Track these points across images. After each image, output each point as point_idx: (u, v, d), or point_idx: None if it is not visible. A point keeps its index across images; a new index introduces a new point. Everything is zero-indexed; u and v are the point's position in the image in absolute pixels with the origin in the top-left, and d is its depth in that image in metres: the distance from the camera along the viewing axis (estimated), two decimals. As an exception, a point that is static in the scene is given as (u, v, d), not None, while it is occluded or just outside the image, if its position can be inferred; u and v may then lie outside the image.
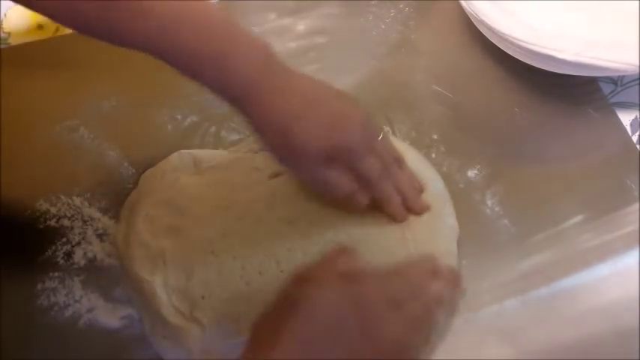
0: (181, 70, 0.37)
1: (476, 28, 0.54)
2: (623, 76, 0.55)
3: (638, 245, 0.46)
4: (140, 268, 0.44)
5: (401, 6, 0.60)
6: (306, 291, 0.31)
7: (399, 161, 0.44)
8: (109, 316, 0.44)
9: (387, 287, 0.33)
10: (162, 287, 0.43)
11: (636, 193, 0.49)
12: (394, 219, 0.43)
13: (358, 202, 0.41)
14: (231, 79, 0.36)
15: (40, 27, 0.60)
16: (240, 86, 0.36)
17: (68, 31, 0.60)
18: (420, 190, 0.45)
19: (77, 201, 0.48)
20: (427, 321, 0.34)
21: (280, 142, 0.38)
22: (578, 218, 0.48)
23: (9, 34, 0.58)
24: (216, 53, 0.35)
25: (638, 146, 0.52)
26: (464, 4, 0.53)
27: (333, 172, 0.39)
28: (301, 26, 0.59)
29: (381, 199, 0.42)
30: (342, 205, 0.43)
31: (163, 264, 0.44)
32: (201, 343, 0.41)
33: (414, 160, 0.47)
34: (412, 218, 0.44)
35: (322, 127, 0.38)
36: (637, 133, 0.53)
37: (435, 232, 0.44)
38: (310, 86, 0.40)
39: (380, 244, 0.44)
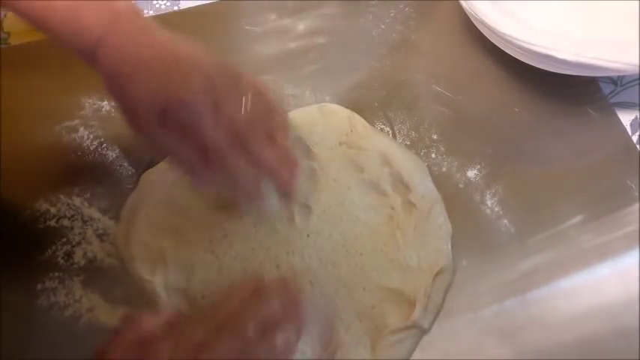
0: (35, 24, 0.37)
1: (476, 28, 0.54)
2: (623, 76, 0.55)
3: (638, 245, 0.46)
4: (140, 268, 0.44)
5: (401, 6, 0.60)
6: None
7: (274, 128, 0.40)
8: (109, 316, 0.44)
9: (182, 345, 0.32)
10: (163, 287, 0.43)
11: (636, 193, 0.49)
12: (243, 200, 0.40)
13: (196, 181, 0.38)
14: (81, 33, 0.36)
15: (40, 27, 0.60)
16: (88, 40, 0.36)
17: (68, 31, 0.60)
18: (292, 167, 0.41)
19: (77, 201, 0.48)
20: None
21: (119, 98, 0.37)
22: (578, 218, 0.48)
23: (9, 34, 0.58)
24: (69, 7, 0.36)
25: (638, 146, 0.52)
26: (464, 4, 0.53)
27: (170, 138, 0.36)
28: (301, 26, 0.59)
29: (228, 177, 0.38)
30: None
31: (163, 264, 0.44)
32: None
33: (400, 156, 0.47)
34: (402, 218, 0.44)
35: (158, 82, 0.35)
36: (637, 133, 0.53)
37: (424, 232, 0.44)
38: (161, 41, 0.37)
39: (372, 245, 0.44)
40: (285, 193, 0.41)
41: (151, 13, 0.61)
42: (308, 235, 0.44)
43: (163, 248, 0.44)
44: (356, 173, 0.47)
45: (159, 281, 0.43)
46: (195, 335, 0.33)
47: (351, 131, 0.49)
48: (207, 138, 0.36)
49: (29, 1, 0.37)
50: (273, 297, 0.36)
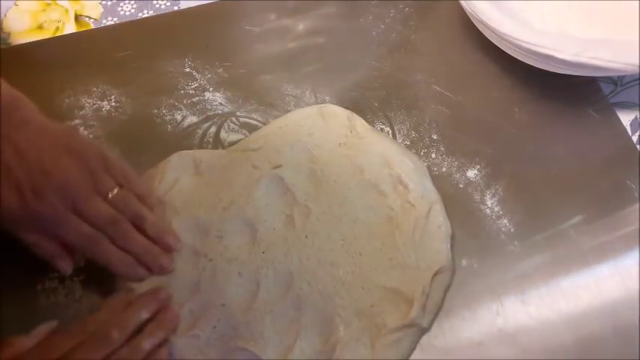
0: None
1: (476, 28, 0.54)
2: (623, 76, 0.55)
3: (638, 245, 0.46)
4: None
5: (401, 6, 0.60)
6: None
7: (139, 217, 0.41)
8: (108, 316, 0.44)
9: None
10: None
11: (636, 194, 0.49)
12: (124, 277, 0.42)
13: (60, 269, 0.41)
14: None
15: (40, 27, 0.60)
16: None
17: (68, 31, 0.60)
18: (170, 246, 0.43)
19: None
20: None
21: None
22: (578, 218, 0.48)
23: (9, 34, 0.58)
24: None
25: (638, 146, 0.52)
26: (464, 4, 0.53)
27: (28, 236, 0.39)
28: (301, 26, 0.59)
29: (103, 265, 0.41)
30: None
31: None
32: (197, 346, 0.40)
33: (400, 157, 0.47)
34: (401, 218, 0.44)
35: (18, 188, 0.37)
36: (637, 133, 0.53)
37: (423, 232, 0.44)
38: (31, 138, 0.38)
39: (371, 245, 0.44)
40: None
41: (151, 13, 0.61)
42: (306, 236, 0.44)
43: None
44: (355, 174, 0.47)
45: (149, 286, 0.43)
46: (57, 350, 0.34)
47: (351, 132, 0.49)
48: (68, 239, 0.39)
49: None
50: (142, 306, 0.39)
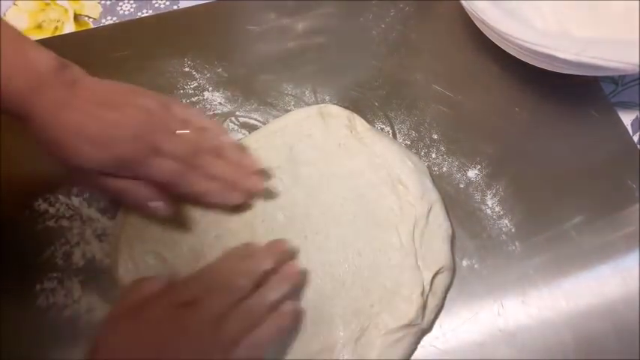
0: None
1: (476, 27, 0.54)
2: (624, 76, 0.55)
3: (638, 245, 0.46)
4: (124, 272, 0.43)
5: (401, 5, 0.60)
6: (97, 336, 0.34)
7: (217, 147, 0.42)
8: (108, 316, 0.44)
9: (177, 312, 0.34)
10: None
11: (637, 194, 0.49)
12: (219, 206, 0.42)
13: (156, 211, 0.40)
14: (8, 101, 0.37)
15: (39, 26, 0.60)
16: (16, 108, 0.37)
17: (67, 30, 0.60)
18: (251, 167, 0.43)
19: (76, 201, 0.48)
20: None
21: (60, 159, 0.38)
22: (579, 218, 0.48)
23: (8, 33, 0.58)
24: None
25: (638, 146, 0.52)
26: (464, 3, 0.53)
27: (117, 182, 0.39)
28: (301, 26, 0.59)
29: (195, 196, 0.41)
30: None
31: (147, 270, 0.43)
32: None
33: (400, 157, 0.47)
34: (401, 218, 0.44)
35: (92, 142, 0.37)
36: (638, 133, 0.53)
37: (423, 232, 0.44)
38: (90, 96, 0.39)
39: (371, 245, 0.44)
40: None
41: (150, 12, 0.61)
42: (306, 237, 0.44)
43: (151, 253, 0.44)
44: (356, 174, 0.47)
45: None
46: (187, 293, 0.35)
47: (351, 132, 0.49)
48: (155, 177, 0.39)
49: None
50: (265, 256, 0.38)
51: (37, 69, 0.37)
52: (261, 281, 0.37)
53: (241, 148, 0.44)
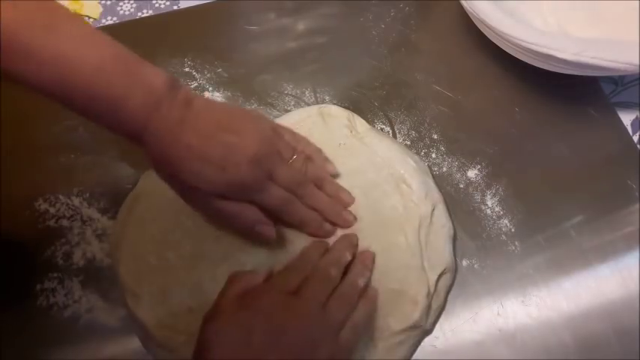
0: (77, 112, 0.36)
1: (476, 27, 0.54)
2: (624, 76, 0.55)
3: (638, 245, 0.46)
4: (126, 273, 0.43)
5: (401, 5, 0.60)
6: (206, 334, 0.35)
7: (319, 179, 0.44)
8: (108, 316, 0.44)
9: (282, 302, 0.36)
10: (148, 296, 0.42)
11: (637, 193, 0.49)
12: (317, 237, 0.44)
13: (264, 234, 0.41)
14: (125, 122, 0.36)
15: (39, 27, 0.60)
16: (133, 128, 0.36)
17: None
18: (347, 203, 0.45)
19: (76, 201, 0.48)
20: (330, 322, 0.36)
21: (174, 179, 0.38)
22: (579, 218, 0.48)
23: (8, 33, 0.58)
24: (110, 98, 0.35)
25: (638, 146, 0.52)
26: (464, 3, 0.52)
27: (231, 205, 0.39)
28: (301, 26, 0.59)
29: (296, 224, 0.43)
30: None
31: (149, 270, 0.43)
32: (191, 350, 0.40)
33: (401, 157, 0.47)
34: (405, 219, 0.44)
35: (212, 165, 0.37)
36: (637, 133, 0.53)
37: (427, 232, 0.44)
38: (207, 118, 0.38)
39: (376, 246, 0.44)
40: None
41: (151, 12, 0.61)
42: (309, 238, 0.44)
43: (152, 254, 0.44)
44: (357, 175, 0.47)
45: (145, 289, 0.42)
46: (290, 284, 0.37)
47: (351, 132, 0.49)
48: (264, 204, 0.40)
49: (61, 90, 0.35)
50: (346, 248, 0.42)
51: (152, 87, 0.36)
52: (345, 271, 0.40)
53: (338, 185, 0.46)
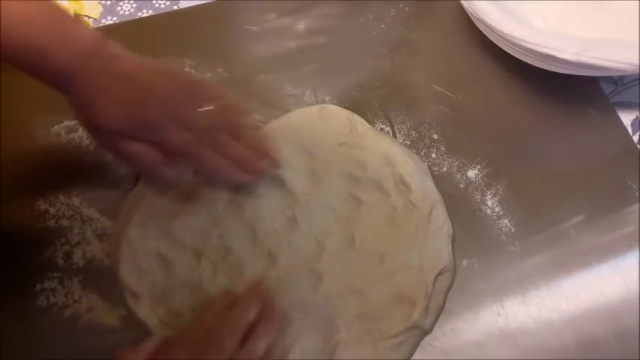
0: (6, 60, 0.39)
1: (476, 27, 0.54)
2: (624, 76, 0.55)
3: (638, 245, 0.46)
4: (126, 273, 0.43)
5: (401, 5, 0.60)
6: None
7: (235, 128, 0.43)
8: (108, 316, 0.44)
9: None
10: (148, 296, 0.42)
11: (637, 193, 0.49)
12: (228, 182, 0.44)
13: (162, 177, 0.41)
14: (52, 70, 0.39)
15: (39, 26, 0.60)
16: (57, 74, 0.39)
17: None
18: (262, 154, 0.44)
19: (76, 201, 0.48)
20: None
21: (85, 118, 0.40)
22: (579, 218, 0.48)
23: (8, 33, 0.58)
24: (37, 45, 0.38)
25: (638, 146, 0.52)
26: (464, 3, 0.53)
27: (132, 145, 0.40)
28: (301, 26, 0.59)
29: (207, 171, 0.43)
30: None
31: (149, 270, 0.43)
32: None
33: (401, 157, 0.47)
34: (403, 219, 0.44)
35: (122, 103, 0.39)
36: (637, 133, 0.52)
37: (426, 232, 0.44)
38: (127, 65, 0.40)
39: (374, 246, 0.44)
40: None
41: (151, 12, 0.61)
42: (312, 239, 0.44)
43: (152, 252, 0.44)
44: (357, 174, 0.47)
45: (145, 289, 0.42)
46: (178, 357, 0.35)
47: (351, 132, 0.49)
48: (171, 145, 0.40)
49: None
50: (248, 306, 0.38)
51: (80, 39, 0.39)
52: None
53: (259, 134, 0.45)
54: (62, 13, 0.40)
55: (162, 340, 0.37)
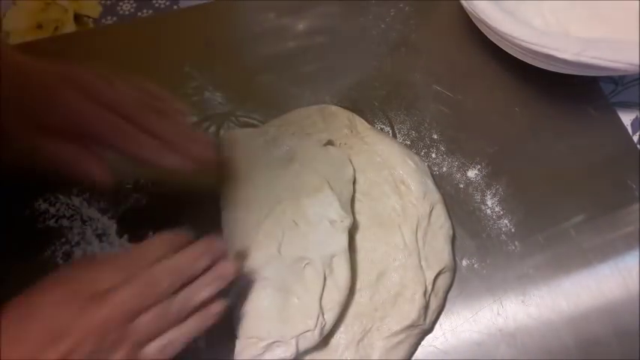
0: None
1: (476, 27, 0.54)
2: (624, 76, 0.55)
3: (638, 245, 0.46)
4: None
5: (401, 5, 0.60)
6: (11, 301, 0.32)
7: (162, 111, 0.39)
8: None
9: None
10: None
11: (636, 193, 0.49)
12: (154, 164, 0.37)
13: (91, 172, 0.37)
14: None
15: (39, 26, 0.60)
16: None
17: (67, 30, 0.60)
18: (198, 138, 0.40)
19: (76, 201, 0.48)
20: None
21: None
22: (579, 218, 0.48)
23: (8, 33, 0.58)
24: None
25: (638, 146, 0.52)
26: (464, 3, 0.52)
27: (52, 143, 0.36)
28: (301, 26, 0.59)
29: (131, 151, 0.37)
30: None
31: None
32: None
33: (401, 157, 0.47)
34: (403, 219, 0.44)
35: (30, 103, 0.35)
36: (637, 133, 0.53)
37: (425, 232, 0.44)
38: (26, 70, 0.36)
39: (374, 246, 0.44)
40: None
41: (150, 12, 0.61)
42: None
43: None
44: (357, 174, 0.47)
45: None
46: (98, 283, 0.32)
47: (351, 132, 0.49)
48: (92, 131, 0.36)
49: None
50: (197, 255, 0.35)
51: None
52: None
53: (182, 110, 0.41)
54: None
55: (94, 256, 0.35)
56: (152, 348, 0.32)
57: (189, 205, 0.47)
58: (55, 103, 0.35)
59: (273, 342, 0.38)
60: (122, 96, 0.37)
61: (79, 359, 0.30)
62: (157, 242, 0.36)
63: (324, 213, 0.42)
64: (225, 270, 0.36)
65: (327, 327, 0.39)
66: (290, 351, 0.37)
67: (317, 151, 0.46)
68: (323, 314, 0.39)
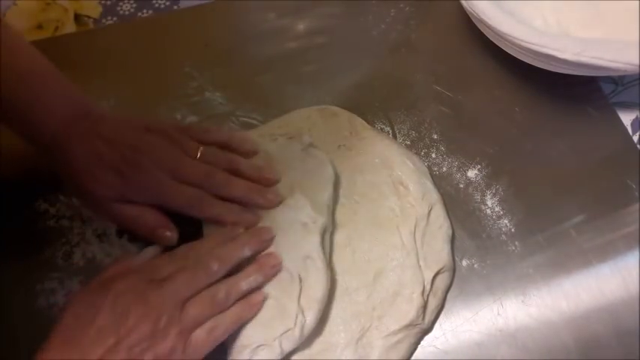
0: None
1: (476, 27, 0.54)
2: (624, 76, 0.55)
3: (638, 245, 0.46)
4: None
5: (401, 5, 0.60)
6: (68, 306, 0.35)
7: (233, 163, 0.42)
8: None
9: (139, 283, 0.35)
10: None
11: (637, 193, 0.49)
12: (241, 226, 0.41)
13: (163, 239, 0.40)
14: (37, 130, 0.40)
15: (39, 27, 0.60)
16: (43, 135, 0.40)
17: (67, 30, 0.60)
18: (270, 181, 0.43)
19: (76, 201, 0.48)
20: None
21: (75, 183, 0.40)
22: (579, 218, 0.48)
23: (8, 33, 0.58)
24: (25, 106, 0.39)
25: (638, 146, 0.52)
26: (464, 3, 0.53)
27: (129, 209, 0.40)
28: (301, 26, 0.59)
29: (211, 221, 0.41)
30: None
31: None
32: None
33: (400, 158, 0.47)
34: (402, 219, 0.44)
35: (114, 168, 0.39)
36: (637, 133, 0.53)
37: (424, 233, 0.44)
38: (113, 126, 0.41)
39: (372, 246, 0.44)
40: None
41: (151, 12, 0.61)
42: None
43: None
44: (356, 176, 0.47)
45: None
46: (159, 271, 0.36)
47: (351, 133, 0.49)
48: (173, 206, 0.40)
49: None
50: (244, 243, 0.39)
51: (70, 103, 0.41)
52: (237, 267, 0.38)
53: (257, 165, 0.44)
54: (54, 73, 0.41)
55: (158, 253, 0.38)
56: (200, 332, 0.35)
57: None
58: (146, 186, 0.39)
59: (257, 346, 0.38)
60: (197, 168, 0.41)
61: (136, 339, 0.33)
62: (210, 237, 0.40)
63: (295, 217, 0.42)
64: (270, 262, 0.39)
65: (309, 325, 0.39)
66: (275, 352, 0.38)
67: (294, 156, 0.46)
68: (303, 312, 0.39)
